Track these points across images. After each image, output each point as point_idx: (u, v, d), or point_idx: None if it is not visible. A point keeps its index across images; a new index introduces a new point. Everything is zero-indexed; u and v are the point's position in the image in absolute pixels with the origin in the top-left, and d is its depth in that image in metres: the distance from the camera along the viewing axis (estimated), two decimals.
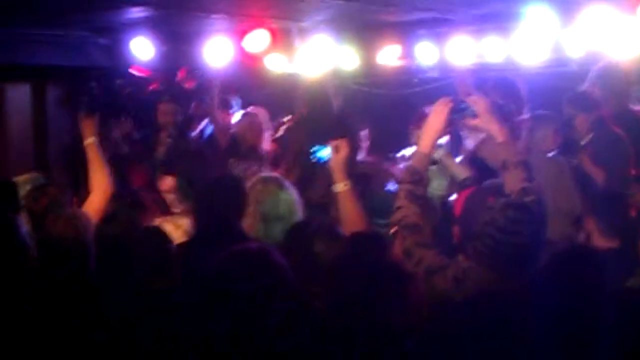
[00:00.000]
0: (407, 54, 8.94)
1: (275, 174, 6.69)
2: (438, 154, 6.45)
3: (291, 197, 5.69)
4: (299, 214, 5.65)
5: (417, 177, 4.57)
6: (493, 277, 4.02)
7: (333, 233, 4.74)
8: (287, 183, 5.85)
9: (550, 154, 7.34)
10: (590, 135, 7.64)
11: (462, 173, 6.06)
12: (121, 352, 4.44)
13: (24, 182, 6.71)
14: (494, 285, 3.99)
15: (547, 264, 3.94)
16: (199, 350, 3.55)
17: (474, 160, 6.81)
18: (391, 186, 7.66)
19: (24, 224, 5.35)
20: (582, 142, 7.68)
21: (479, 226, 4.07)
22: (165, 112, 9.56)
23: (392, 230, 4.51)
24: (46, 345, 4.42)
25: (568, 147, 7.66)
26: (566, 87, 8.32)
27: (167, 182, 7.58)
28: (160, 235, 5.14)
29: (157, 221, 6.34)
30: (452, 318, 3.84)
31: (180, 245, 5.38)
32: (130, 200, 6.63)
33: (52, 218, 5.29)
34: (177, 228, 6.22)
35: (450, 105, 4.70)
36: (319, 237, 4.61)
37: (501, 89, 7.68)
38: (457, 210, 4.71)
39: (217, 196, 5.50)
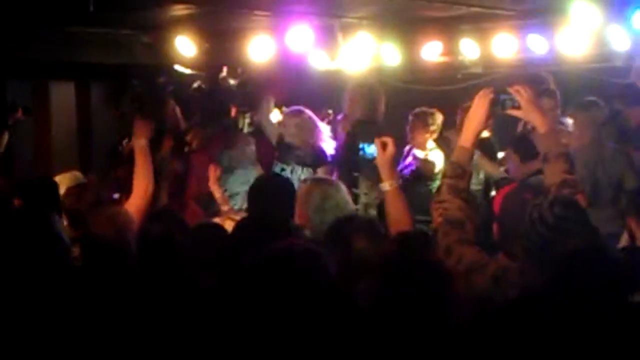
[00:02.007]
0: (450, 50, 8.88)
1: (325, 175, 6.70)
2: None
3: (340, 197, 5.68)
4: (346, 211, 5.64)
5: (460, 171, 4.53)
6: (538, 276, 3.97)
7: (374, 230, 4.71)
8: (336, 183, 5.85)
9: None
10: None
11: (496, 171, 6.02)
12: (165, 350, 4.44)
13: (64, 180, 6.76)
14: (539, 285, 3.94)
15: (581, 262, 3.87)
16: (246, 347, 3.55)
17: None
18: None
19: (59, 221, 5.37)
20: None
21: (526, 224, 4.00)
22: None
23: (433, 225, 4.48)
24: (87, 342, 4.43)
25: (623, 137, 7.64)
26: (611, 82, 8.24)
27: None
28: (218, 232, 5.13)
29: (217, 219, 6.35)
30: (495, 319, 3.79)
31: (229, 242, 5.37)
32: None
33: (92, 215, 5.32)
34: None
35: (492, 97, 4.66)
36: (360, 234, 4.60)
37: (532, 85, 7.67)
38: (496, 208, 4.67)
39: (267, 194, 5.52)
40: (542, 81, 8.16)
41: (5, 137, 8.56)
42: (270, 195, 5.57)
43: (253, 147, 8.98)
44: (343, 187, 5.80)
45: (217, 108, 9.67)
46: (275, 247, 3.63)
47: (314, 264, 3.55)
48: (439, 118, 9.39)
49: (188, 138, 8.99)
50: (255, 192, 5.77)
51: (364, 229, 4.67)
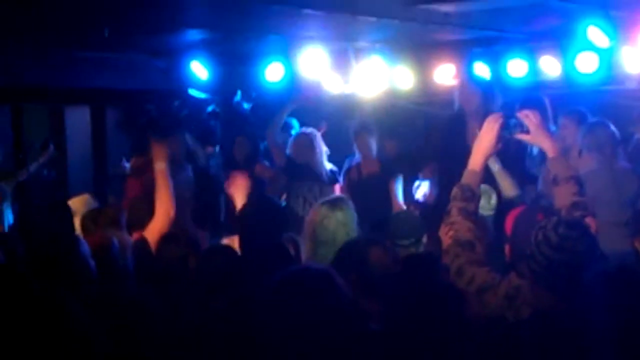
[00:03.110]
0: (463, 73, 8.91)
1: (338, 195, 6.72)
2: (494, 167, 6.44)
3: (345, 218, 5.72)
4: (351, 234, 5.67)
5: (469, 194, 4.56)
6: (548, 295, 3.98)
7: (384, 248, 4.78)
8: (344, 203, 5.89)
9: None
10: None
11: (512, 190, 6.05)
12: None
13: (76, 204, 6.80)
14: (550, 304, 3.95)
15: (599, 282, 3.88)
16: None
17: None
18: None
19: (84, 243, 5.41)
20: None
21: (532, 245, 4.02)
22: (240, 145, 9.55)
23: (444, 247, 4.50)
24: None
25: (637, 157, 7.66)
26: (624, 104, 8.25)
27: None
28: (228, 253, 5.16)
29: (225, 241, 6.35)
30: (508, 338, 3.79)
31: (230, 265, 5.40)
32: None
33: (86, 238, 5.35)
34: None
35: (501, 121, 4.70)
36: (376, 247, 4.67)
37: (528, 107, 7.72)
38: (508, 229, 4.68)
39: (260, 216, 5.54)
40: (541, 104, 8.14)
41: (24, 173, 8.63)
42: (258, 220, 5.57)
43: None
44: (349, 207, 5.84)
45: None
46: (291, 270, 3.63)
47: (331, 285, 3.55)
48: None
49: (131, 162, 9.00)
50: (246, 217, 5.78)
51: (378, 242, 4.74)
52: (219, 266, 4.95)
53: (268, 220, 5.60)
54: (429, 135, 7.57)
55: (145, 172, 7.76)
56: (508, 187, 5.95)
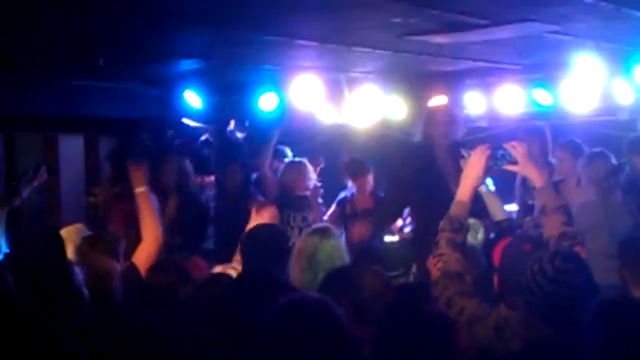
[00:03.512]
0: (456, 104, 8.93)
1: (324, 224, 6.74)
2: (482, 189, 6.45)
3: (334, 246, 5.74)
4: (345, 260, 5.69)
5: (457, 225, 4.57)
6: (542, 327, 3.97)
7: (375, 274, 4.81)
8: (333, 232, 5.91)
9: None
10: None
11: (501, 214, 6.02)
12: None
13: (68, 233, 6.79)
14: (543, 336, 3.94)
15: (597, 314, 3.89)
16: None
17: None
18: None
19: (79, 272, 5.41)
20: None
21: (527, 276, 4.01)
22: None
23: (433, 278, 4.50)
24: None
25: (630, 188, 7.66)
26: (616, 135, 8.28)
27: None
28: (221, 284, 5.15)
29: (218, 268, 6.32)
30: None
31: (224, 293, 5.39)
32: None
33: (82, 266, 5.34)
34: None
35: (488, 152, 4.72)
36: (370, 271, 4.70)
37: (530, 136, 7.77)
38: (496, 260, 4.68)
39: (260, 244, 5.51)
40: (540, 132, 8.19)
41: (17, 199, 8.60)
42: (264, 248, 5.55)
43: None
44: (337, 235, 5.87)
45: None
46: (289, 299, 3.65)
47: (329, 314, 3.57)
48: None
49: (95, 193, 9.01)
50: (249, 245, 5.77)
51: (371, 268, 4.77)
52: (211, 297, 4.95)
53: (277, 250, 5.58)
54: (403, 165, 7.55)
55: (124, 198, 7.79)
56: (497, 211, 5.93)
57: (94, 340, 4.65)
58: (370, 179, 9.01)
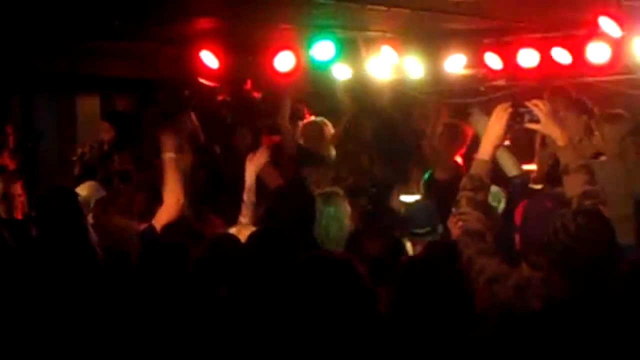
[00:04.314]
0: (473, 63, 8.89)
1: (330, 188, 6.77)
2: None
3: (337, 212, 5.76)
4: (344, 229, 5.71)
5: (478, 184, 4.55)
6: (563, 285, 3.96)
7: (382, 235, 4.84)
8: (337, 197, 5.93)
9: None
10: None
11: (514, 170, 6.00)
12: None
13: (85, 190, 6.81)
14: (564, 295, 3.93)
15: (622, 273, 3.85)
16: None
17: None
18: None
19: (92, 232, 5.44)
20: None
21: (550, 234, 3.99)
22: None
23: (453, 237, 4.50)
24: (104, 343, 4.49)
25: None
26: (635, 94, 8.23)
27: None
28: (232, 242, 5.15)
29: (233, 229, 6.33)
30: (519, 329, 3.78)
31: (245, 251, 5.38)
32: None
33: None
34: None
35: (510, 111, 4.68)
36: (369, 240, 4.70)
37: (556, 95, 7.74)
38: (518, 219, 4.66)
39: (287, 203, 5.53)
40: (565, 93, 8.14)
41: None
42: (292, 205, 5.56)
43: None
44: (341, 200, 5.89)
45: None
46: (315, 254, 3.68)
47: (353, 269, 3.61)
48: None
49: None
50: (276, 202, 5.77)
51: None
52: (223, 256, 4.95)
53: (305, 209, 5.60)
54: None
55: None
56: (511, 166, 5.90)
57: (105, 299, 4.69)
58: None
